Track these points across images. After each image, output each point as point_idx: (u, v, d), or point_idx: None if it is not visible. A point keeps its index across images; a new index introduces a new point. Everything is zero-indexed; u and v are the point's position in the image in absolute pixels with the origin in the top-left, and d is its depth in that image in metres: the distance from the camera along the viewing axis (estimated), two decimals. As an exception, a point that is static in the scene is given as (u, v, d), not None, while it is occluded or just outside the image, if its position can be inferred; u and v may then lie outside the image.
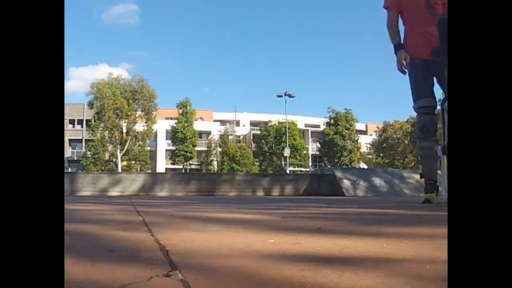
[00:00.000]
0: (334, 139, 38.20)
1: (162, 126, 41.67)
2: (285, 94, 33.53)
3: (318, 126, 43.97)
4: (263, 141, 39.41)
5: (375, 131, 44.26)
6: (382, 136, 40.90)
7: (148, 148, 39.40)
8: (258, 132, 41.88)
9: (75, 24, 59.03)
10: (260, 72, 70.63)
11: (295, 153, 38.14)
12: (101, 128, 35.06)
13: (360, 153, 40.18)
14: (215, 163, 39.52)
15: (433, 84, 3.51)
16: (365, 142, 43.71)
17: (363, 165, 23.76)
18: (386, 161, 38.77)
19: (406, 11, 3.63)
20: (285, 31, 71.60)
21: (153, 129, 36.74)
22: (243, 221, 2.17)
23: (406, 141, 39.03)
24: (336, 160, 37.76)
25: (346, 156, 38.03)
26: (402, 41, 3.65)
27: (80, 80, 62.78)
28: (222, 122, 45.14)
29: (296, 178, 8.89)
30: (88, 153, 36.70)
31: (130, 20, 66.40)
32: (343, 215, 2.62)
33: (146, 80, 36.04)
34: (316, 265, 0.89)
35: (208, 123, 44.49)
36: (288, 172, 31.07)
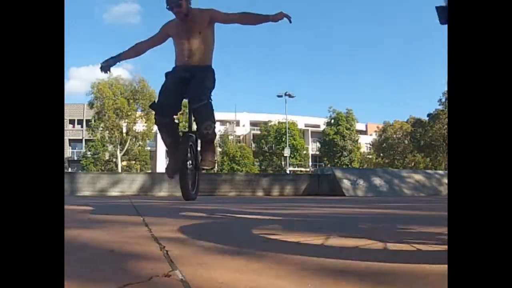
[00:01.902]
0: (334, 139, 38.19)
1: (162, 126, 41.65)
2: (285, 94, 33.51)
3: (318, 126, 43.97)
4: (263, 141, 39.39)
5: (375, 131, 44.26)
6: (382, 136, 40.89)
7: (148, 148, 39.40)
8: (258, 132, 41.87)
9: (76, 23, 59.01)
10: (260, 72, 70.63)
11: (295, 153, 38.13)
12: (101, 128, 35.06)
13: (360, 153, 40.19)
14: (215, 163, 39.49)
15: None
16: (365, 142, 43.71)
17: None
18: (386, 161, 38.76)
19: None
20: (285, 31, 71.68)
21: (153, 129, 36.74)
22: (243, 222, 2.17)
23: (406, 141, 39.02)
24: (336, 160, 37.76)
25: (346, 156, 38.03)
26: None
27: (80, 80, 62.75)
28: (222, 122, 45.12)
29: (296, 178, 8.88)
30: (88, 153, 36.70)
31: (132, 20, 66.27)
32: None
33: (147, 80, 36.08)
34: (314, 263, 0.89)
35: (208, 123, 44.49)
36: (288, 172, 31.06)
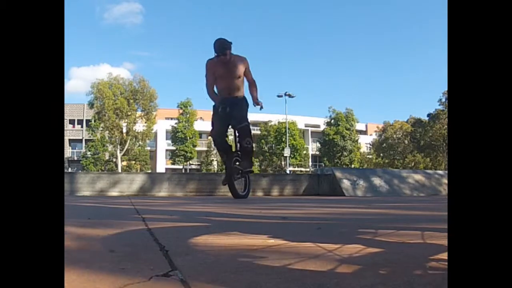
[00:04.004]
0: (334, 139, 38.18)
1: (162, 126, 41.72)
2: (285, 94, 33.47)
3: (318, 126, 43.96)
4: (263, 141, 39.37)
5: (375, 131, 44.26)
6: (382, 136, 40.89)
7: (148, 148, 39.41)
8: (258, 132, 41.87)
9: (77, 23, 58.92)
10: (260, 72, 70.51)
11: (295, 153, 38.12)
12: (101, 128, 35.05)
13: (360, 153, 40.17)
14: (215, 163, 39.49)
15: None
16: (365, 142, 43.69)
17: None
18: (386, 161, 38.76)
19: None
20: (285, 31, 71.61)
21: (152, 129, 36.74)
22: (244, 222, 2.17)
23: (406, 141, 39.02)
24: (336, 160, 37.76)
25: (346, 156, 38.03)
26: None
27: (81, 80, 62.71)
28: (222, 122, 44.92)
29: (296, 178, 8.86)
30: (88, 153, 36.70)
31: (133, 20, 66.12)
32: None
33: (147, 80, 36.05)
34: (313, 263, 0.89)
35: (208, 123, 44.49)
36: (288, 172, 31.05)
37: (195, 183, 7.16)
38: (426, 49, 69.88)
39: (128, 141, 35.42)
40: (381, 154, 40.36)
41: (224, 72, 4.48)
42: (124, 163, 36.40)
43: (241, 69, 4.53)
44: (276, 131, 38.75)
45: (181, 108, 37.97)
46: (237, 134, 4.65)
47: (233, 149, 4.74)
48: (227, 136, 4.67)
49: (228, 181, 4.52)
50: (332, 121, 39.24)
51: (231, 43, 4.37)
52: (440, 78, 49.52)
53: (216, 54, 4.38)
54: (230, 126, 4.68)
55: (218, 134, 4.65)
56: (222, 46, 4.31)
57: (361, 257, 0.99)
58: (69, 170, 33.39)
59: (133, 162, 37.16)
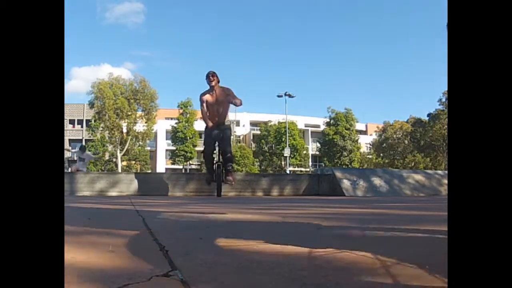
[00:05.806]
0: (334, 139, 38.18)
1: (162, 126, 41.74)
2: (285, 94, 33.46)
3: (318, 126, 43.95)
4: (263, 141, 39.37)
5: (375, 131, 44.25)
6: (382, 136, 40.89)
7: (148, 148, 39.42)
8: (258, 132, 41.87)
9: (78, 22, 58.89)
10: (260, 72, 70.63)
11: (295, 153, 38.12)
12: (101, 128, 35.04)
13: (360, 153, 40.15)
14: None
15: None
16: (365, 142, 43.68)
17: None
18: (386, 161, 38.75)
19: None
20: (285, 31, 71.62)
21: (153, 129, 36.73)
22: (244, 222, 2.17)
23: (406, 141, 39.02)
24: (336, 160, 37.75)
25: (346, 156, 38.02)
26: None
27: (82, 80, 62.65)
28: (222, 122, 44.95)
29: (296, 178, 8.85)
30: (88, 153, 36.69)
31: (135, 19, 66.02)
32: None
33: (148, 80, 36.04)
34: (312, 264, 0.89)
35: (208, 123, 44.50)
36: (288, 172, 31.04)
37: (195, 183, 7.15)
38: (427, 49, 69.95)
39: (128, 141, 35.42)
40: (381, 154, 40.35)
41: (213, 102, 5.93)
42: (124, 163, 36.39)
43: (224, 98, 5.81)
44: (276, 131, 38.75)
45: (181, 108, 37.95)
46: (221, 157, 6.19)
47: (217, 158, 6.23)
48: (214, 152, 6.31)
49: (218, 181, 6.05)
50: (332, 121, 39.23)
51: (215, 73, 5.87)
52: (440, 78, 49.59)
53: (207, 78, 5.84)
54: (216, 144, 6.22)
55: (209, 151, 6.29)
56: (207, 76, 5.85)
57: (361, 257, 0.99)
58: (69, 170, 33.38)
59: (133, 162, 37.16)
